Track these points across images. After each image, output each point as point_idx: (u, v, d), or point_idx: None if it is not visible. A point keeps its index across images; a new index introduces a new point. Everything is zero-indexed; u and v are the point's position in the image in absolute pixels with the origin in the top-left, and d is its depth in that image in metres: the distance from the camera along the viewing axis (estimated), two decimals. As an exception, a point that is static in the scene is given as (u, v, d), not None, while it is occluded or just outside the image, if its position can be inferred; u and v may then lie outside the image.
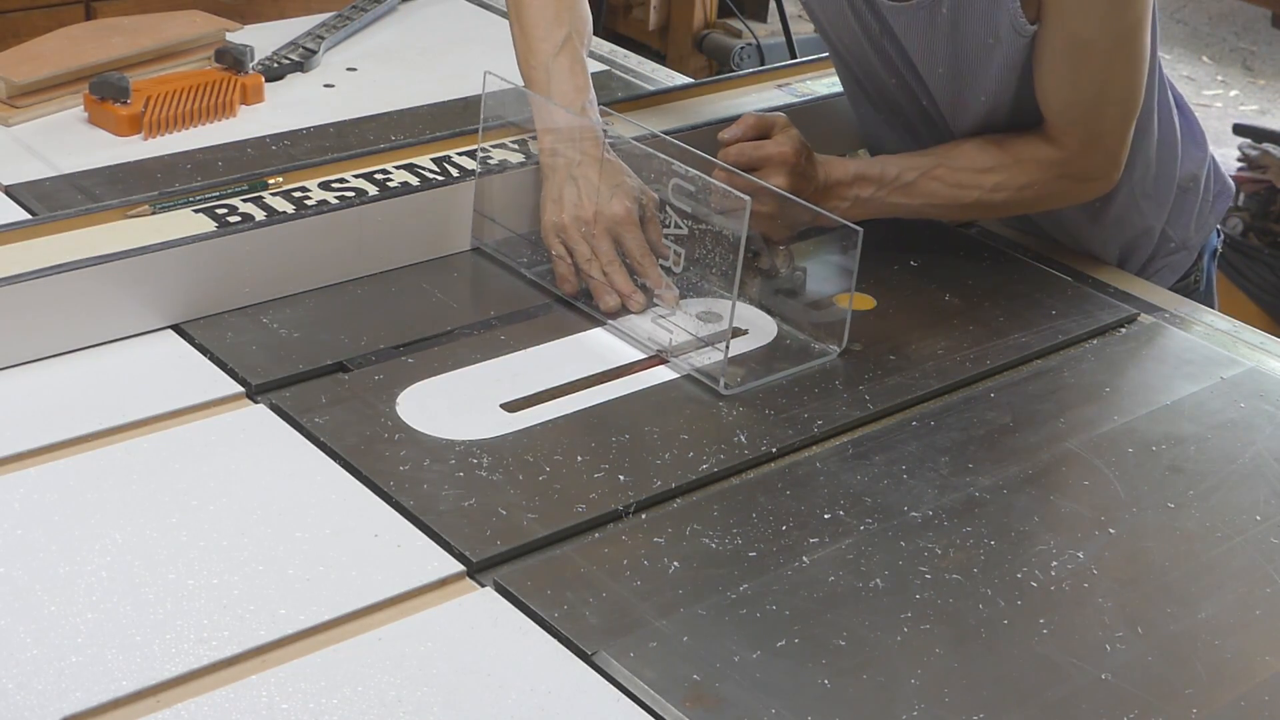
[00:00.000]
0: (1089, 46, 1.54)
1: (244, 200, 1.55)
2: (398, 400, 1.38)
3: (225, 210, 1.53)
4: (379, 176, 1.61)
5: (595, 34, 2.35)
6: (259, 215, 1.52)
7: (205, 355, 1.42)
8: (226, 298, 1.48)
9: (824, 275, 1.63)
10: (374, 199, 1.57)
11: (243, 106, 1.91)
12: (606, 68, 2.17)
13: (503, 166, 1.65)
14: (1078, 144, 1.61)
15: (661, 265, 1.54)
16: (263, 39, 2.06)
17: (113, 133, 1.82)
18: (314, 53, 2.06)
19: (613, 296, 1.53)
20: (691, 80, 2.12)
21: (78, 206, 1.57)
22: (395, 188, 1.59)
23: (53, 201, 1.64)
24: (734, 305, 1.45)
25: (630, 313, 1.53)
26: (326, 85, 2.01)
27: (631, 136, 1.60)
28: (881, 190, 1.62)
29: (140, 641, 1.08)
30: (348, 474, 1.28)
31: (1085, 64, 1.55)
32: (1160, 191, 1.75)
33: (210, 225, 1.49)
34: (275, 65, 2.01)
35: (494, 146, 1.67)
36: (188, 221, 1.50)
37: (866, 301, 1.60)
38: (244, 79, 1.92)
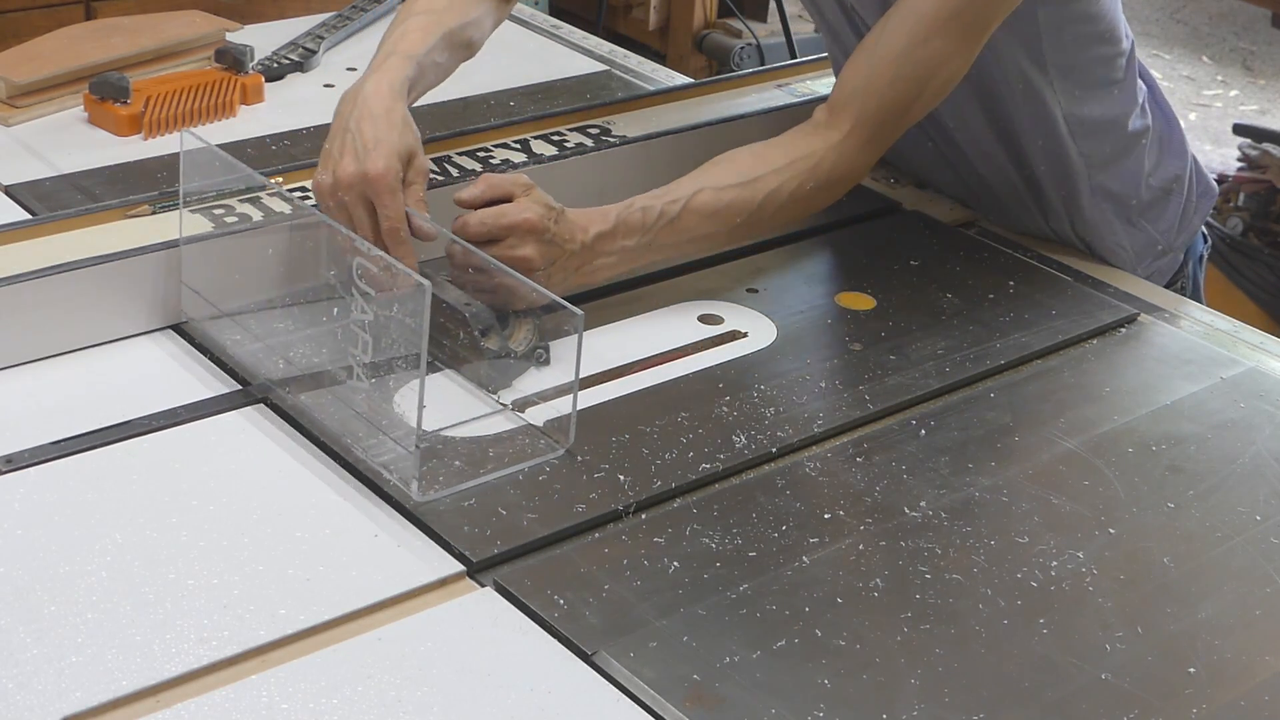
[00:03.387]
0: (931, 7, 1.50)
1: (242, 200, 1.55)
2: (397, 400, 1.37)
3: (223, 210, 1.53)
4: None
5: (595, 34, 2.35)
6: (258, 215, 1.52)
7: (205, 355, 1.42)
8: (226, 298, 1.48)
9: (560, 358, 1.44)
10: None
11: (243, 106, 1.91)
12: (606, 68, 2.17)
13: (208, 233, 1.48)
14: (849, 124, 1.55)
15: (351, 355, 1.32)
16: (263, 39, 2.06)
17: (113, 133, 1.81)
18: (314, 53, 2.06)
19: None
20: (691, 80, 2.12)
21: (78, 206, 1.57)
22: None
23: (53, 201, 1.64)
24: (420, 403, 1.24)
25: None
26: (326, 85, 2.01)
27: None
28: (647, 235, 1.48)
29: (140, 641, 1.08)
30: (348, 474, 1.28)
31: (903, 28, 1.51)
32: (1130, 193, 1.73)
33: (209, 225, 1.49)
34: (275, 65, 2.01)
35: (196, 211, 1.50)
36: (187, 221, 1.50)
37: (866, 301, 1.60)
38: (244, 79, 1.92)
